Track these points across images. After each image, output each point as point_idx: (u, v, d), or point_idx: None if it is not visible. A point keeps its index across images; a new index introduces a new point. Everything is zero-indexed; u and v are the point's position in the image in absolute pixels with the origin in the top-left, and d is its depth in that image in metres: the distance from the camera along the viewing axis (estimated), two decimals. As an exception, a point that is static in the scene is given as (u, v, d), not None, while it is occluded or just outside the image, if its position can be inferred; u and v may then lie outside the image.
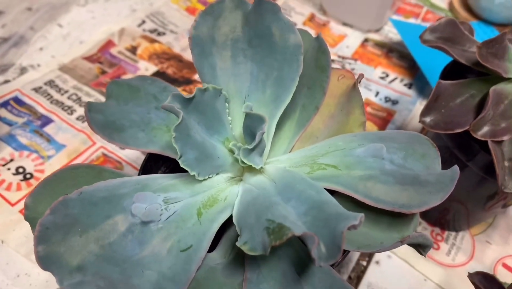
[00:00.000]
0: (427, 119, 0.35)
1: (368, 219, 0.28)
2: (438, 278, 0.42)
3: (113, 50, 0.56)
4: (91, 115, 0.30)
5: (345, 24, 0.67)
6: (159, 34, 0.60)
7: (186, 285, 0.23)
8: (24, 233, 0.39)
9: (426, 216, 0.46)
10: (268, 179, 0.27)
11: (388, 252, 0.43)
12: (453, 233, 0.46)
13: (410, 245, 0.28)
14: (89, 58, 0.55)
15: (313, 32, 0.64)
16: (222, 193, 0.26)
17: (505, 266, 0.44)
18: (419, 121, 0.35)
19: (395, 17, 0.70)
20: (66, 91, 0.50)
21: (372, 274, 0.41)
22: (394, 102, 0.57)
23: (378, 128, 0.54)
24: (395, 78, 0.60)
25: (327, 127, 0.33)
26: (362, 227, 0.29)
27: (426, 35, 0.37)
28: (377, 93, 0.58)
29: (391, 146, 0.29)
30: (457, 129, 0.34)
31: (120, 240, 0.23)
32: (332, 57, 0.61)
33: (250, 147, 0.25)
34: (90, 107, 0.30)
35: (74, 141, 0.46)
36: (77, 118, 0.48)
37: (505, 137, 0.33)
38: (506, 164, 0.34)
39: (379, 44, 0.65)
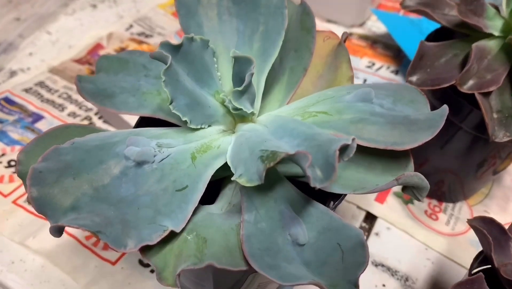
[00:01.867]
0: (414, 78, 0.36)
1: (362, 164, 0.28)
2: (439, 247, 0.42)
3: (102, 52, 0.57)
4: (82, 85, 0.30)
5: (328, 20, 0.69)
6: (146, 36, 0.61)
7: (184, 222, 0.22)
8: (17, 221, 0.38)
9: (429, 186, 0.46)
10: (260, 125, 0.27)
11: (387, 224, 0.43)
12: (451, 204, 0.46)
13: (405, 189, 0.28)
14: (79, 61, 0.55)
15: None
16: (215, 142, 0.26)
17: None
18: (406, 81, 0.36)
19: (377, 12, 0.72)
20: (56, 91, 0.51)
21: (372, 246, 0.41)
22: (382, 88, 0.58)
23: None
24: (382, 66, 0.61)
25: (316, 87, 0.33)
26: (357, 173, 0.29)
27: (406, 1, 0.38)
28: (364, 81, 0.59)
29: (380, 93, 0.29)
30: (443, 84, 0.35)
31: (114, 182, 0.23)
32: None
33: (240, 88, 0.25)
34: (80, 79, 0.30)
35: (66, 136, 0.46)
36: (68, 115, 0.48)
37: (491, 88, 0.34)
38: (495, 115, 0.34)
39: (364, 37, 0.66)
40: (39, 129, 0.46)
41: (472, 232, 0.44)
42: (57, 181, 0.22)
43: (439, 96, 0.38)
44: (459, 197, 0.46)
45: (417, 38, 0.62)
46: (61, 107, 0.49)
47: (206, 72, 0.27)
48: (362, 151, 0.27)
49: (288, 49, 0.32)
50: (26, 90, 0.50)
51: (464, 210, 0.45)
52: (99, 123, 0.47)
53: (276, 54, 0.29)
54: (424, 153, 0.44)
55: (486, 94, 0.34)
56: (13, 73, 0.52)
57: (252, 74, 0.25)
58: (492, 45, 0.36)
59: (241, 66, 0.25)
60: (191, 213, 0.23)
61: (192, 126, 0.26)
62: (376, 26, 0.68)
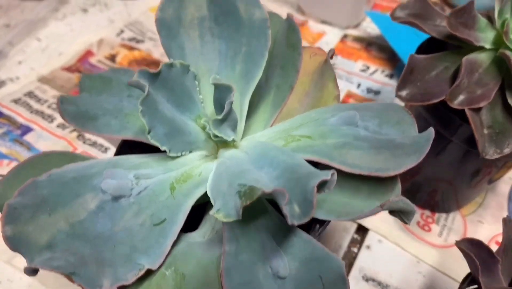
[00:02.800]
0: (403, 92, 0.35)
1: (347, 188, 0.28)
2: (431, 259, 0.41)
3: (92, 60, 0.56)
4: (64, 107, 0.29)
5: (323, 22, 0.68)
6: (138, 42, 0.60)
7: (161, 258, 0.22)
8: (5, 239, 0.38)
9: (415, 198, 0.46)
10: (242, 152, 0.26)
11: (378, 237, 0.42)
12: (444, 215, 0.45)
13: (392, 212, 0.28)
14: (69, 69, 0.55)
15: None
16: (196, 169, 0.26)
17: (498, 243, 0.43)
18: (396, 96, 0.35)
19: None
20: (46, 101, 0.50)
21: (363, 259, 0.41)
22: (376, 92, 0.57)
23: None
24: (376, 70, 0.60)
25: (302, 105, 0.33)
26: (342, 197, 0.28)
27: (396, 12, 0.38)
28: (359, 85, 0.58)
29: (365, 114, 0.28)
30: (433, 100, 0.34)
31: (91, 217, 0.22)
32: (312, 53, 0.61)
33: (219, 117, 0.24)
34: (62, 100, 0.30)
35: (55, 148, 0.45)
36: (58, 126, 0.48)
37: (482, 104, 0.33)
38: (485, 131, 0.34)
39: (358, 39, 0.65)
40: (27, 142, 0.45)
41: (464, 243, 0.43)
42: (33, 217, 0.22)
43: (429, 109, 0.37)
44: (453, 206, 0.45)
45: (412, 40, 0.61)
46: (50, 119, 0.48)
47: (187, 97, 0.27)
48: (347, 175, 0.26)
49: (274, 66, 0.31)
50: (15, 101, 0.50)
51: (458, 220, 0.45)
52: (88, 135, 0.47)
53: (259, 76, 0.28)
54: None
55: (477, 110, 0.34)
56: (1, 83, 0.52)
57: (231, 103, 0.24)
58: (483, 58, 0.35)
59: (221, 93, 0.25)
60: (169, 248, 0.23)
61: (172, 155, 0.25)
62: (371, 27, 0.68)
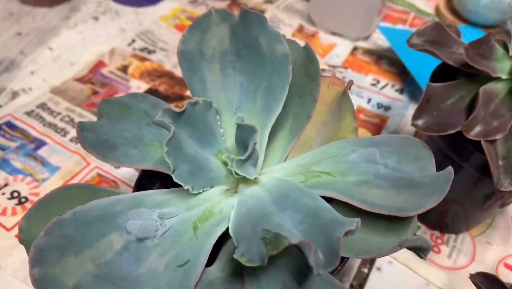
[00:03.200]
0: (419, 122, 0.35)
1: (365, 224, 0.28)
2: (441, 282, 0.42)
3: (104, 71, 0.56)
4: (84, 135, 0.30)
5: (333, 33, 0.68)
6: (149, 52, 0.60)
7: (185, 300, 0.22)
8: (21, 258, 0.38)
9: (425, 219, 0.46)
10: (262, 189, 0.26)
11: (388, 258, 0.43)
12: (453, 236, 0.46)
13: (409, 248, 0.28)
14: (81, 80, 0.55)
15: (301, 43, 0.65)
16: (217, 206, 0.26)
17: (506, 266, 0.44)
18: (411, 125, 0.35)
19: (383, 24, 0.71)
20: (59, 114, 0.50)
21: (374, 281, 0.41)
22: (387, 108, 0.57)
23: (372, 135, 0.54)
24: (386, 84, 0.60)
25: (319, 134, 0.33)
26: (359, 232, 0.29)
27: (413, 39, 0.38)
28: (369, 100, 0.58)
29: (384, 150, 0.29)
30: (449, 131, 0.34)
31: (116, 258, 0.23)
32: (323, 66, 0.62)
33: (243, 157, 0.25)
34: (82, 127, 0.30)
35: (68, 163, 0.46)
36: (71, 140, 0.48)
37: (498, 136, 0.33)
38: (500, 162, 0.34)
39: (369, 52, 0.65)
40: (41, 157, 0.46)
41: (473, 266, 0.44)
42: (60, 260, 0.22)
43: (444, 137, 0.37)
44: (463, 228, 0.46)
45: (422, 55, 0.61)
46: (64, 132, 0.48)
47: (209, 132, 0.27)
48: (366, 212, 0.27)
49: (292, 94, 0.31)
50: (28, 114, 0.50)
51: (467, 241, 0.45)
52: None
53: (279, 110, 0.29)
54: (428, 186, 0.43)
55: (492, 141, 0.34)
56: (15, 94, 0.52)
57: (255, 144, 0.24)
58: (499, 88, 0.35)
59: (244, 133, 0.25)
60: (193, 288, 0.23)
61: (195, 192, 0.25)
62: (381, 39, 0.68)
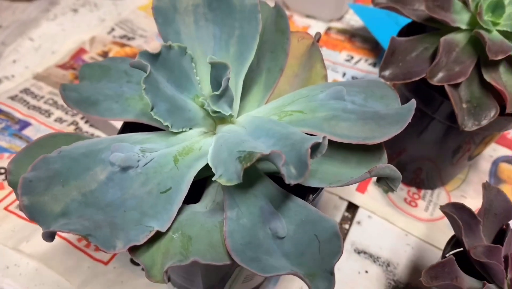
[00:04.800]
0: (386, 73, 0.37)
1: (337, 159, 0.30)
2: (419, 232, 0.43)
3: (86, 57, 0.58)
4: (66, 94, 0.31)
5: (308, 16, 0.70)
6: (129, 39, 0.62)
7: (169, 222, 0.24)
8: (10, 227, 0.39)
9: (401, 176, 0.48)
10: (239, 126, 0.28)
11: (368, 213, 0.44)
12: (429, 191, 0.48)
13: (379, 179, 0.30)
14: (63, 66, 0.56)
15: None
16: (197, 144, 0.28)
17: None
18: (379, 76, 0.37)
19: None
20: (42, 97, 0.51)
21: (355, 234, 0.43)
22: (361, 80, 0.59)
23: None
24: (360, 59, 0.63)
25: (292, 86, 0.35)
26: (332, 166, 0.30)
27: (377, -2, 0.40)
28: (344, 74, 0.60)
29: (351, 90, 0.30)
30: (414, 78, 0.36)
31: (101, 187, 0.24)
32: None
33: (217, 93, 0.26)
34: (64, 88, 0.31)
35: (54, 142, 0.47)
36: (55, 120, 0.49)
37: (460, 80, 0.35)
38: (464, 105, 0.36)
39: (342, 31, 0.68)
40: (27, 136, 0.47)
41: (449, 217, 0.46)
42: (47, 189, 0.23)
43: (412, 88, 0.40)
44: (437, 183, 0.48)
45: (393, 30, 0.64)
46: (48, 113, 0.50)
47: (185, 78, 0.29)
48: (337, 146, 0.28)
49: (265, 50, 0.33)
50: (12, 98, 0.51)
51: (442, 196, 0.47)
52: (85, 127, 0.48)
53: (252, 57, 0.30)
54: (402, 143, 0.45)
55: (455, 86, 0.36)
56: (-2, 82, 0.53)
57: (228, 79, 0.26)
58: (459, 38, 0.37)
59: (218, 71, 0.27)
60: (175, 213, 0.24)
61: (174, 130, 0.27)
62: (354, 19, 0.70)
